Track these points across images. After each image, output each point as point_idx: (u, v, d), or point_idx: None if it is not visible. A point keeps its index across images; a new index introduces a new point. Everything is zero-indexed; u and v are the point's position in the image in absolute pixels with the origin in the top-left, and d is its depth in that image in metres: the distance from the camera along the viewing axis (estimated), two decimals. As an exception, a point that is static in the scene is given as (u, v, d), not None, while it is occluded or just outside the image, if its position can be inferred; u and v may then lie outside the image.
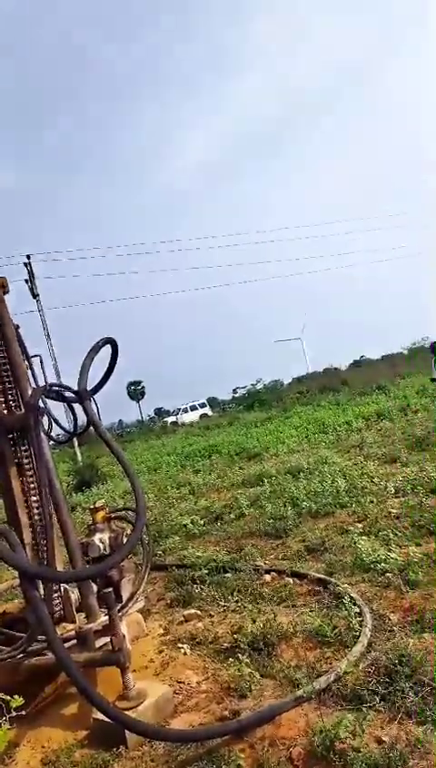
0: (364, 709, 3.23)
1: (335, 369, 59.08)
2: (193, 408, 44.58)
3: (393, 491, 7.94)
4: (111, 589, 3.85)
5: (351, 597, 4.68)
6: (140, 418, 66.83)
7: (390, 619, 4.37)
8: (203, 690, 4.02)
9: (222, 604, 5.47)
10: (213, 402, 52.44)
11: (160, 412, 69.95)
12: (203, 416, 41.88)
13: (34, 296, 32.60)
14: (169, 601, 5.90)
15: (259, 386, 38.63)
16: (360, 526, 6.76)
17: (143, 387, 78.09)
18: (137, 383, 76.07)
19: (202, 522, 8.74)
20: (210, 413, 43.70)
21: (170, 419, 44.60)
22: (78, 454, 27.39)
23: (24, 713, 3.71)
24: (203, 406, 45.81)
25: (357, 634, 4.18)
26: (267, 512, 8.31)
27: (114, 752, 3.50)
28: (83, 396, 4.25)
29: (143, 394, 79.07)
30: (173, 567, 6.71)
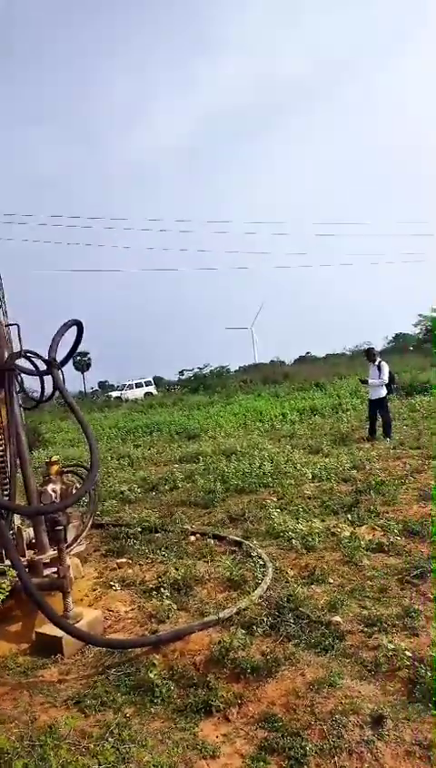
0: (255, 632, 4.15)
1: (281, 362, 60.61)
2: (139, 386, 45.00)
3: (311, 477, 8.97)
4: (61, 528, 4.63)
5: (259, 555, 5.63)
6: (83, 389, 66.45)
7: (287, 573, 5.33)
8: (130, 617, 4.88)
9: (151, 557, 6.32)
10: (158, 382, 52.93)
11: (104, 386, 69.78)
12: (148, 394, 42.38)
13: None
14: (104, 552, 6.70)
15: (206, 370, 39.56)
16: (276, 502, 7.75)
17: (89, 358, 77.32)
18: (84, 354, 75.26)
19: (138, 490, 9.54)
20: (154, 392, 44.23)
21: (114, 394, 44.89)
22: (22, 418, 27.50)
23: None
24: (148, 384, 46.28)
25: (259, 582, 5.12)
26: (199, 485, 9.22)
27: (52, 658, 4.31)
28: (52, 364, 4.96)
29: (88, 366, 78.34)
30: (110, 525, 7.53)
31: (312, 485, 8.58)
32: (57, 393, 5.27)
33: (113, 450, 14.78)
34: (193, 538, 6.77)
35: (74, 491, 5.32)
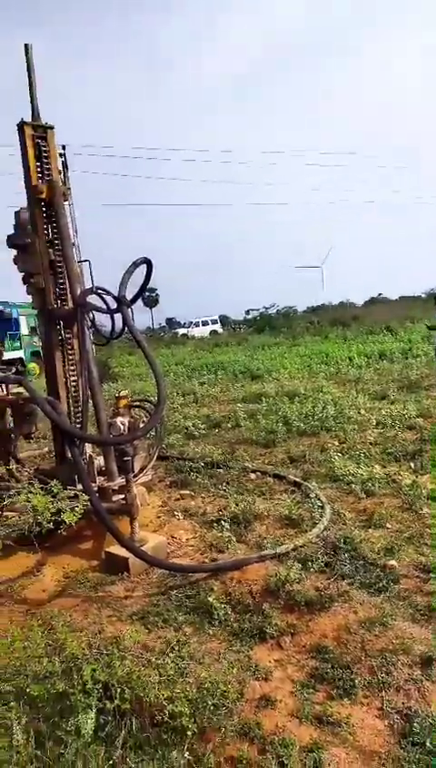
0: (310, 569, 4.28)
1: (351, 303, 59.08)
2: (205, 324, 45.19)
3: (375, 423, 8.89)
4: (129, 458, 4.86)
5: (318, 496, 5.72)
6: (151, 325, 67.44)
7: (345, 516, 5.41)
8: (192, 545, 5.13)
9: (212, 491, 6.55)
10: (224, 320, 52.95)
11: (171, 323, 70.59)
12: (213, 332, 42.55)
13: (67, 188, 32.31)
14: (168, 483, 6.99)
15: (272, 310, 39.15)
16: (338, 446, 7.78)
17: (157, 295, 78.09)
18: (152, 290, 75.94)
19: (202, 426, 9.77)
20: (220, 330, 44.35)
21: (181, 331, 45.35)
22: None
23: (47, 544, 4.85)
24: (214, 322, 46.40)
25: (317, 522, 5.23)
26: (261, 425, 9.33)
27: (120, 576, 4.63)
28: (122, 302, 5.05)
29: (156, 302, 79.21)
30: (175, 458, 7.80)
31: (375, 431, 8.52)
32: (126, 330, 5.39)
33: (179, 387, 15.08)
34: (253, 476, 6.93)
35: (141, 424, 5.54)
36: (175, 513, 5.85)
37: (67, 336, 5.26)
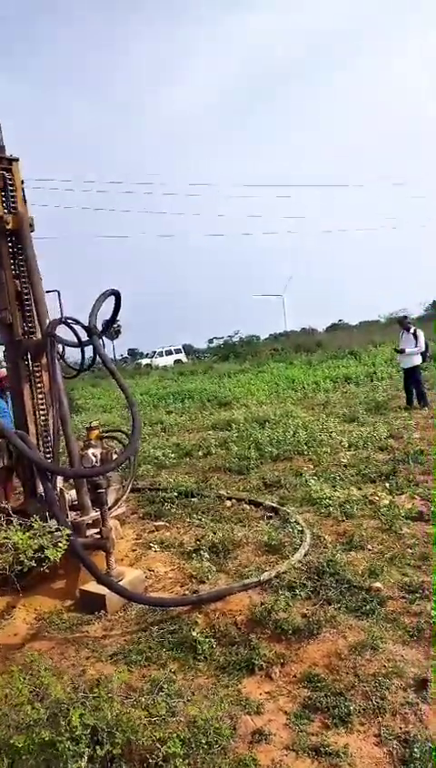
0: (296, 595, 4.19)
1: (312, 330, 59.94)
2: (169, 353, 45.10)
3: (347, 445, 8.92)
4: (103, 490, 4.71)
5: (296, 520, 5.66)
6: (113, 357, 66.87)
7: (325, 539, 5.35)
8: (170, 577, 4.97)
9: (188, 520, 6.41)
10: (188, 349, 53.02)
11: (133, 353, 70.21)
12: (178, 361, 42.51)
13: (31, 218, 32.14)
14: (141, 515, 6.83)
15: (236, 338, 39.44)
16: (312, 469, 7.76)
17: (119, 326, 77.53)
18: (114, 321, 75.28)
19: (172, 456, 9.63)
20: (184, 359, 44.34)
21: (144, 362, 45.13)
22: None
23: (20, 584, 4.62)
24: (178, 351, 46.35)
25: (297, 547, 5.15)
26: (233, 452, 9.26)
27: (96, 614, 4.44)
28: (93, 331, 4.97)
29: (118, 333, 78.67)
30: (147, 489, 7.65)
31: (348, 453, 8.53)
32: (96, 361, 5.31)
33: (146, 416, 14.91)
34: (228, 503, 6.83)
35: (114, 455, 5.41)
36: (151, 545, 5.69)
37: (36, 368, 5.13)
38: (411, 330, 12.17)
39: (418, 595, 4.10)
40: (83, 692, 2.86)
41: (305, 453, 8.80)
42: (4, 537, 3.47)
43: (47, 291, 5.09)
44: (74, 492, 5.20)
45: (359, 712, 2.99)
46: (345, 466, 7.85)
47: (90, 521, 5.03)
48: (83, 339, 5.11)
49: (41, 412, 5.18)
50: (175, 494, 7.15)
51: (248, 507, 6.57)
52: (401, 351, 12.16)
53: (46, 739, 2.38)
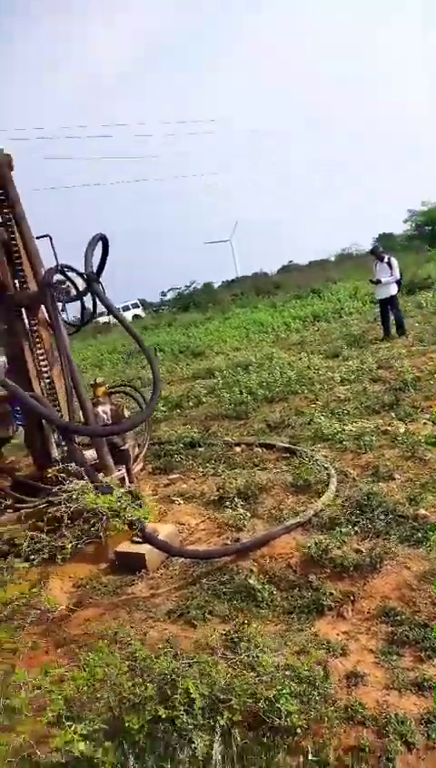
0: (343, 531, 4.07)
1: (264, 273, 59.37)
2: (126, 309, 43.88)
3: (339, 380, 8.82)
4: (126, 448, 4.44)
5: (317, 458, 5.53)
6: (67, 318, 64.78)
7: (350, 473, 5.25)
8: (203, 528, 4.80)
9: (201, 470, 6.22)
10: (144, 304, 51.86)
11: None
12: (136, 316, 41.45)
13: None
14: (151, 470, 6.58)
15: (192, 288, 38.72)
16: (314, 407, 7.63)
17: (67, 285, 75.26)
18: (62, 282, 72.77)
19: (163, 408, 9.36)
20: (142, 314, 43.35)
21: (101, 320, 43.85)
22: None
23: (45, 555, 4.36)
24: (135, 306, 45.10)
25: (325, 484, 5.04)
26: (225, 399, 9.05)
27: (137, 575, 4.24)
28: (91, 278, 4.58)
29: (67, 292, 76.41)
30: (150, 444, 7.38)
31: (342, 388, 8.44)
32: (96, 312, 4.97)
33: (122, 374, 14.52)
34: (238, 449, 6.65)
35: (125, 411, 5.13)
36: (173, 498, 5.48)
37: (33, 325, 4.70)
38: (385, 260, 12.00)
39: (467, 517, 4.05)
40: (185, 660, 2.66)
41: (300, 392, 8.66)
42: (93, 502, 3.17)
43: (36, 237, 4.62)
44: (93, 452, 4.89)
45: (452, 640, 2.91)
46: (344, 400, 7.75)
47: (117, 481, 4.76)
48: (80, 288, 4.73)
49: (44, 372, 4.80)
50: (181, 445, 6.93)
51: (260, 451, 6.40)
52: (378, 282, 12.01)
53: (163, 716, 2.19)
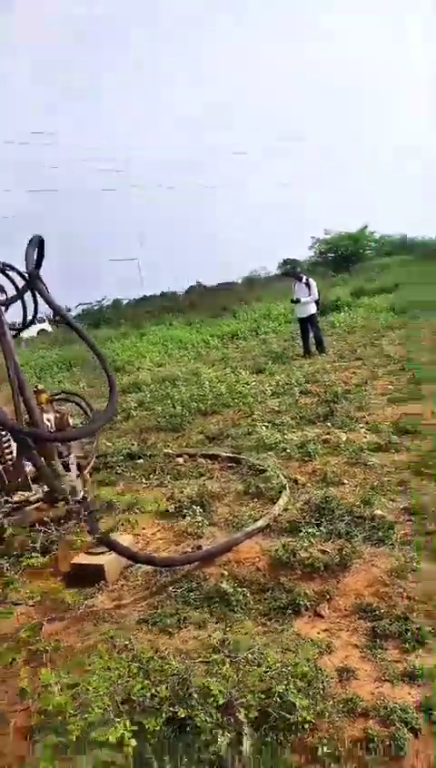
0: (305, 533, 4.12)
1: (173, 292, 59.68)
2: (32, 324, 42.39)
3: (270, 393, 9.02)
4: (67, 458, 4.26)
5: (264, 466, 5.59)
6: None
7: (300, 480, 5.35)
8: (160, 538, 4.68)
9: (145, 482, 6.08)
10: (49, 319, 50.26)
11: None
12: (42, 331, 40.11)
13: None
14: (92, 482, 6.34)
15: (104, 303, 38.24)
16: (251, 418, 7.73)
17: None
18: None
19: (73, 423, 9.07)
20: (49, 329, 42.02)
21: (34, 328, 41.96)
22: None
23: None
24: (41, 321, 43.69)
25: (276, 491, 5.10)
26: (157, 412, 8.96)
27: (97, 587, 4.04)
28: (35, 277, 4.41)
29: None
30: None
31: (274, 401, 8.63)
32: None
33: (59, 384, 13.96)
34: (180, 460, 6.58)
35: (69, 419, 4.96)
36: (116, 509, 5.31)
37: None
38: (304, 280, 12.51)
39: (422, 515, 4.25)
40: (191, 659, 2.55)
41: (232, 405, 8.76)
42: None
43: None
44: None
45: (433, 630, 3.02)
46: (278, 412, 7.92)
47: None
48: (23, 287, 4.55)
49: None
50: (121, 457, 6.76)
51: (204, 461, 6.37)
52: (297, 301, 12.47)
53: (182, 716, 2.08)
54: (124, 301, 52.49)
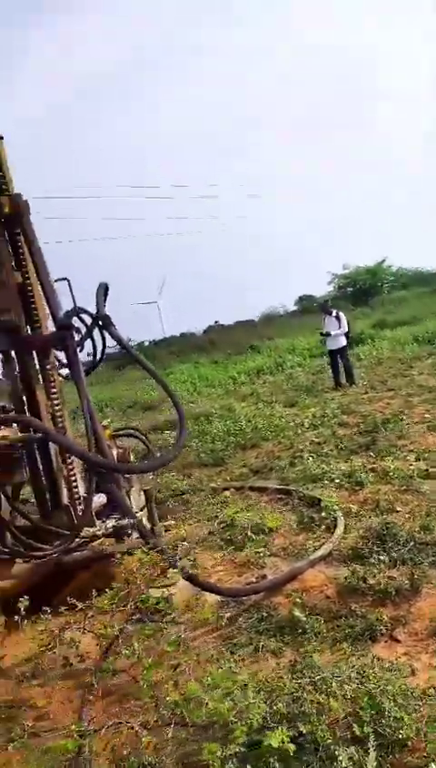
0: (376, 559, 4.15)
1: (192, 333, 60.48)
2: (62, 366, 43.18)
3: (307, 426, 9.09)
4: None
5: (316, 497, 5.64)
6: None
7: (352, 509, 5.38)
8: (220, 569, 4.73)
9: (195, 516, 6.15)
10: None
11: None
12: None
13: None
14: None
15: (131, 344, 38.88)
16: (292, 450, 7.80)
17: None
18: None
19: (132, 459, 9.19)
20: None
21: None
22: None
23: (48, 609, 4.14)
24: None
25: (331, 521, 5.13)
26: (195, 447, 9.06)
27: (163, 620, 4.08)
28: (108, 320, 4.62)
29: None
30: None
31: (312, 433, 8.70)
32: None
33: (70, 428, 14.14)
34: (227, 494, 6.64)
35: (131, 456, 5.11)
36: (177, 543, 5.37)
37: (45, 365, 4.63)
38: (334, 314, 12.72)
39: None
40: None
41: (271, 438, 8.84)
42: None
43: (55, 280, 4.63)
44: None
45: None
46: (318, 443, 7.98)
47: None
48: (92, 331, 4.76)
49: (57, 416, 4.70)
50: (168, 493, 6.85)
51: (251, 494, 6.43)
52: (327, 334, 12.66)
53: (305, 731, 2.14)
54: (145, 343, 53.42)
